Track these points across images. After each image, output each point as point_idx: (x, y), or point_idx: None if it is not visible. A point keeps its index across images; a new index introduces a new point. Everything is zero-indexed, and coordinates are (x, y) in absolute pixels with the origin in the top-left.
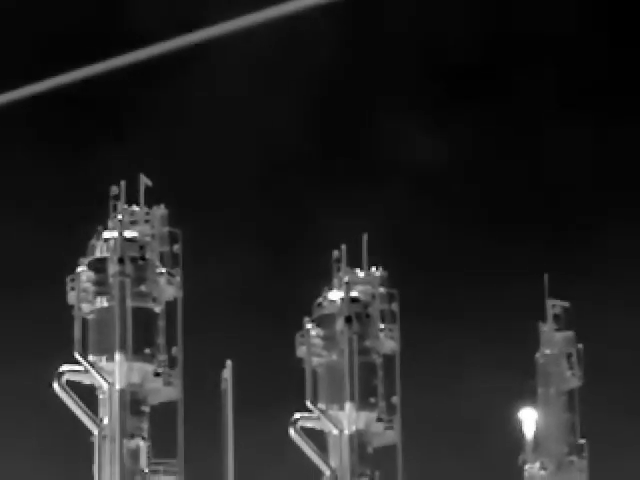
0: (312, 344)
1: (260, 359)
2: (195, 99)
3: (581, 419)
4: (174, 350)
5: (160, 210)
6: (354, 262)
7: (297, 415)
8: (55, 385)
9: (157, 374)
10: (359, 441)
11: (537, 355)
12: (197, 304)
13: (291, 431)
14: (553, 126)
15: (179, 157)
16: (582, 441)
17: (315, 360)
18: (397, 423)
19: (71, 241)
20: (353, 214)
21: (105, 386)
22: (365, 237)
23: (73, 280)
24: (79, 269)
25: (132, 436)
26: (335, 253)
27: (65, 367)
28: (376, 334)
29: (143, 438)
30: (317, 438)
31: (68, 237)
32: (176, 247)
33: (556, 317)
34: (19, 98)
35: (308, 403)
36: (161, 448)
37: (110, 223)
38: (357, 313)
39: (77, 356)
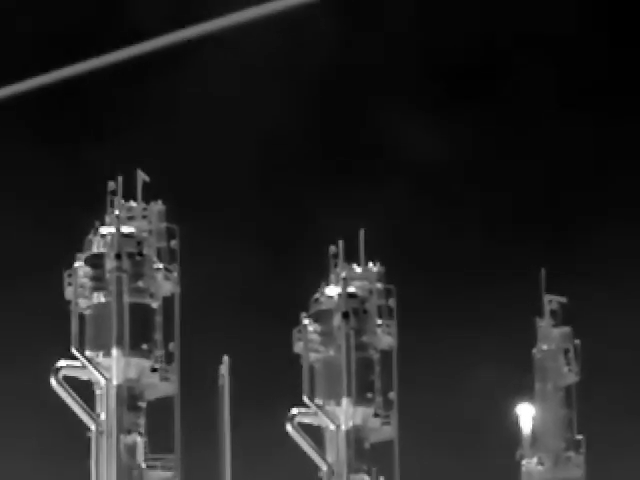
0: (309, 340)
1: (257, 355)
2: (195, 98)
3: (578, 415)
4: (171, 346)
5: (157, 206)
6: (353, 259)
7: (294, 410)
8: (52, 380)
9: (154, 370)
10: (356, 436)
11: (534, 351)
12: (197, 304)
13: (288, 426)
14: (553, 126)
15: (179, 157)
16: (579, 437)
17: (312, 356)
18: (394, 419)
19: (69, 236)
20: (353, 214)
21: (102, 381)
22: (362, 232)
23: (70, 275)
24: (76, 264)
25: (129, 431)
26: (332, 249)
27: (62, 362)
28: (373, 330)
29: (140, 433)
30: (314, 433)
31: (65, 232)
32: (173, 243)
33: (553, 313)
34: (12, 94)
35: (305, 398)
36: (158, 443)
37: (107, 219)
38: (354, 309)
39: (74, 351)
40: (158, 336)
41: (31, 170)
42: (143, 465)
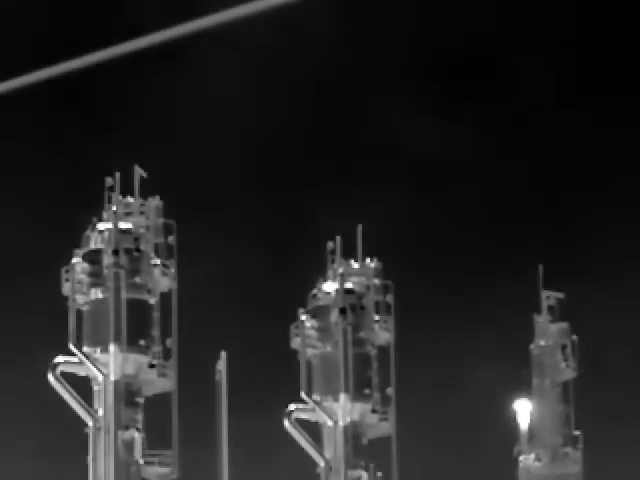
0: (307, 335)
1: (254, 351)
2: (194, 97)
3: (575, 411)
4: (168, 342)
5: (155, 201)
6: (350, 256)
7: (292, 406)
8: (50, 376)
9: (151, 365)
10: (353, 432)
11: (532, 346)
12: (196, 302)
13: (286, 422)
14: (553, 126)
15: (179, 157)
16: (576, 432)
17: (310, 351)
18: (392, 415)
19: (69, 236)
20: (353, 214)
21: (100, 377)
22: (360, 228)
23: (68, 271)
24: (74, 260)
25: (127, 427)
26: (330, 245)
27: (60, 358)
28: (371, 325)
29: (138, 429)
30: (312, 429)
31: (65, 232)
32: (171, 238)
33: (551, 309)
34: (9, 91)
35: (303, 394)
36: (155, 439)
37: (105, 214)
38: (352, 304)
39: (72, 347)
40: (156, 332)
41: (31, 170)
42: (141, 461)
